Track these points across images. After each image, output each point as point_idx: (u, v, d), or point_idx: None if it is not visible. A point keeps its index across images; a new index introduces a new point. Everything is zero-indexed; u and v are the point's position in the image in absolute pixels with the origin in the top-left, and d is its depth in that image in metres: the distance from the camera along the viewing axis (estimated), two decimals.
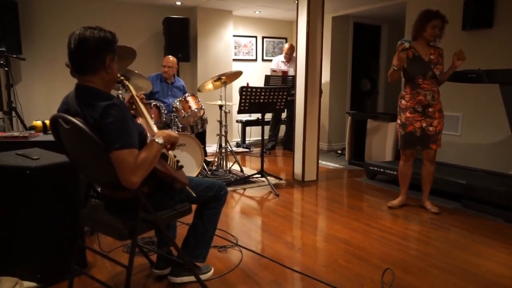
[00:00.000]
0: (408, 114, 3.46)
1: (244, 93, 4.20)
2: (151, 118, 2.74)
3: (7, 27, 4.73)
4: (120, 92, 3.79)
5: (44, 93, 5.47)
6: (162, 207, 1.98)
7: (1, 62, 4.33)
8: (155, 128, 2.07)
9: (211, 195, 2.19)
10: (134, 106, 2.17)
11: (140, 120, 2.41)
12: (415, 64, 3.36)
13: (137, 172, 1.68)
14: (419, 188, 3.74)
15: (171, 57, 4.88)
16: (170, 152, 2.01)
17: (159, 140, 1.81)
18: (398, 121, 3.57)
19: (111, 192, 1.94)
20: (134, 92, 2.13)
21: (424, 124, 3.43)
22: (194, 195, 2.04)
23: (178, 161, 2.04)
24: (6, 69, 4.39)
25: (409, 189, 3.77)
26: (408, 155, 3.58)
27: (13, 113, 4.61)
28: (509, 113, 3.36)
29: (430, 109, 3.41)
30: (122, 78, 2.14)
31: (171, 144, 1.96)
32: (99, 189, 2.10)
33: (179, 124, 4.44)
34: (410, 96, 3.45)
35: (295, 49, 4.83)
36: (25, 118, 4.79)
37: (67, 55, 1.74)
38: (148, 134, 1.98)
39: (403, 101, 3.51)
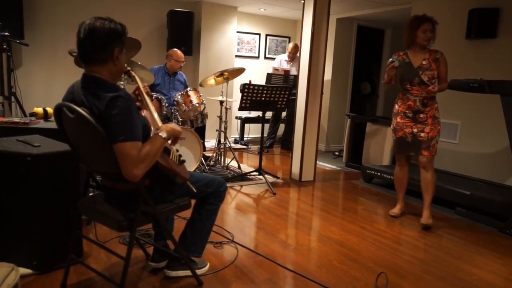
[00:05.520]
0: (399, 119, 3.47)
1: (246, 90, 4.19)
2: None
3: (10, 12, 4.69)
4: (122, 82, 3.78)
5: (44, 79, 5.43)
6: (162, 200, 1.99)
7: (4, 46, 4.30)
8: (159, 122, 2.07)
9: (210, 191, 2.20)
10: (139, 98, 2.18)
11: (144, 113, 2.41)
12: (402, 70, 3.36)
13: (139, 165, 1.68)
14: (416, 194, 3.75)
15: (179, 52, 4.82)
16: (172, 146, 2.01)
17: (163, 134, 1.81)
18: (391, 126, 3.60)
19: (111, 183, 1.94)
20: (140, 85, 2.13)
21: (415, 130, 3.39)
22: (195, 190, 2.05)
23: (180, 156, 2.05)
24: (9, 54, 4.36)
25: (406, 195, 3.75)
26: (401, 161, 3.57)
27: (12, 98, 4.58)
28: (509, 125, 3.39)
29: (422, 115, 3.37)
30: (129, 68, 2.14)
31: (174, 138, 1.97)
32: (98, 178, 2.10)
33: (179, 117, 4.43)
34: (402, 101, 3.46)
35: (299, 49, 4.83)
36: (24, 103, 4.75)
37: (76, 44, 1.73)
38: (152, 127, 1.98)
39: (396, 106, 3.53)
